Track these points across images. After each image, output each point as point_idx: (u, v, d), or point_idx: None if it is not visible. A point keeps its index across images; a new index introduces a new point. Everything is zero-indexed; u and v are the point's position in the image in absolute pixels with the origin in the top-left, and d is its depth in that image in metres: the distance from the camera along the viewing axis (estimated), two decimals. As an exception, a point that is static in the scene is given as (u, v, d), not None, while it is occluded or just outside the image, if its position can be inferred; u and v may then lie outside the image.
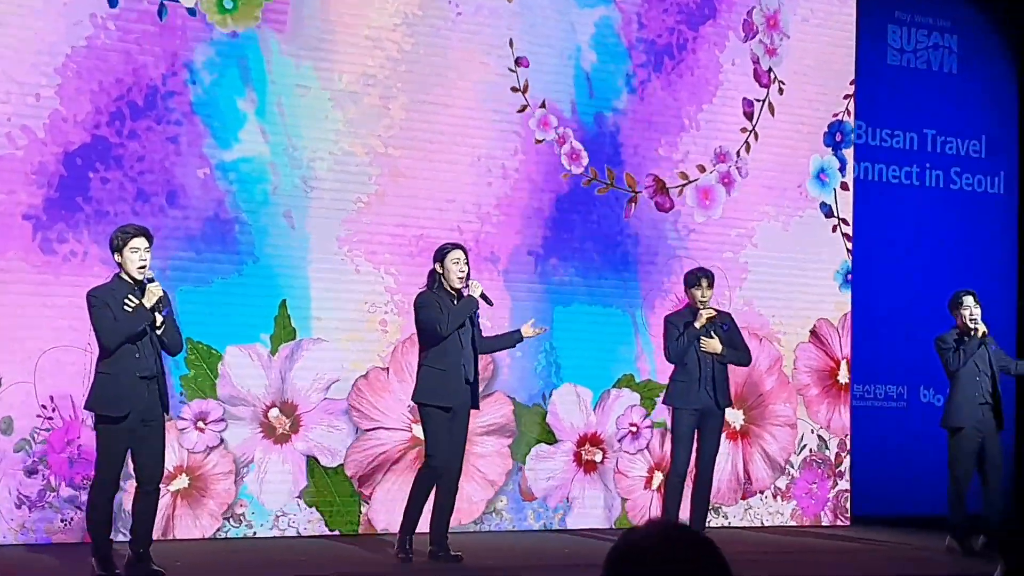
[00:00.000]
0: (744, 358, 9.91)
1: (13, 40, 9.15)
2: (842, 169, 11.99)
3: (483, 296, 8.83)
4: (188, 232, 9.63)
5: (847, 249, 12.00)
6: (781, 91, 11.70)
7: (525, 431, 10.70)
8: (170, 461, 8.99)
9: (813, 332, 11.83)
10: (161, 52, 9.58)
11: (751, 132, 11.61)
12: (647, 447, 11.14)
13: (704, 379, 9.60)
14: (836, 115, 11.94)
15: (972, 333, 9.93)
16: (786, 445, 11.69)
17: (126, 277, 7.75)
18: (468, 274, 8.85)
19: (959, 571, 9.26)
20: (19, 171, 9.15)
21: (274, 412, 9.86)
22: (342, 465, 10.08)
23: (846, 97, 11.99)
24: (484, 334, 9.11)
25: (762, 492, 11.55)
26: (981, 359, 10.00)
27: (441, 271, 8.81)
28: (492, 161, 10.65)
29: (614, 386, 11.07)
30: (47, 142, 9.22)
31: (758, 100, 11.65)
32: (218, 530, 9.65)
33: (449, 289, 8.79)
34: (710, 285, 9.65)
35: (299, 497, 9.93)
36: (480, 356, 9.03)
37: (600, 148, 11.07)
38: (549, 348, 10.83)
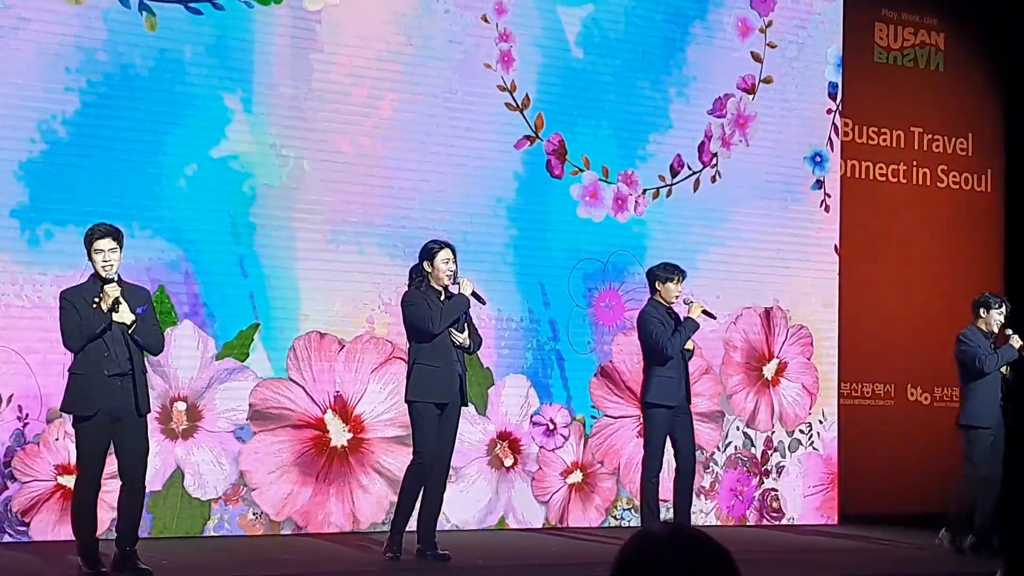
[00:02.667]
0: (691, 353, 9.92)
1: (1, 38, 9.11)
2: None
3: (474, 294, 8.81)
4: (175, 229, 9.59)
5: (829, 138, 12.00)
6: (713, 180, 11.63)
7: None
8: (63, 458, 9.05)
9: (767, 311, 11.76)
10: (149, 49, 9.54)
11: (762, 66, 11.66)
12: (559, 448, 10.91)
13: (683, 375, 9.63)
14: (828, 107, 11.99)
15: (1006, 342, 9.94)
16: (713, 392, 11.47)
17: (97, 277, 7.73)
18: (457, 272, 8.82)
19: (949, 569, 9.26)
20: (6, 167, 9.11)
21: (180, 405, 9.58)
22: (200, 501, 9.64)
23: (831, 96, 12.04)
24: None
25: (712, 454, 11.41)
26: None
27: (430, 269, 8.76)
28: (480, 158, 10.63)
29: (574, 417, 10.97)
30: (35, 138, 9.18)
31: (747, 93, 11.67)
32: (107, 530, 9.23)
33: (436, 287, 8.76)
34: (683, 279, 9.69)
35: None
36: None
37: (586, 144, 11.05)
38: (537, 344, 10.82)
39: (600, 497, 11.04)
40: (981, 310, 10.13)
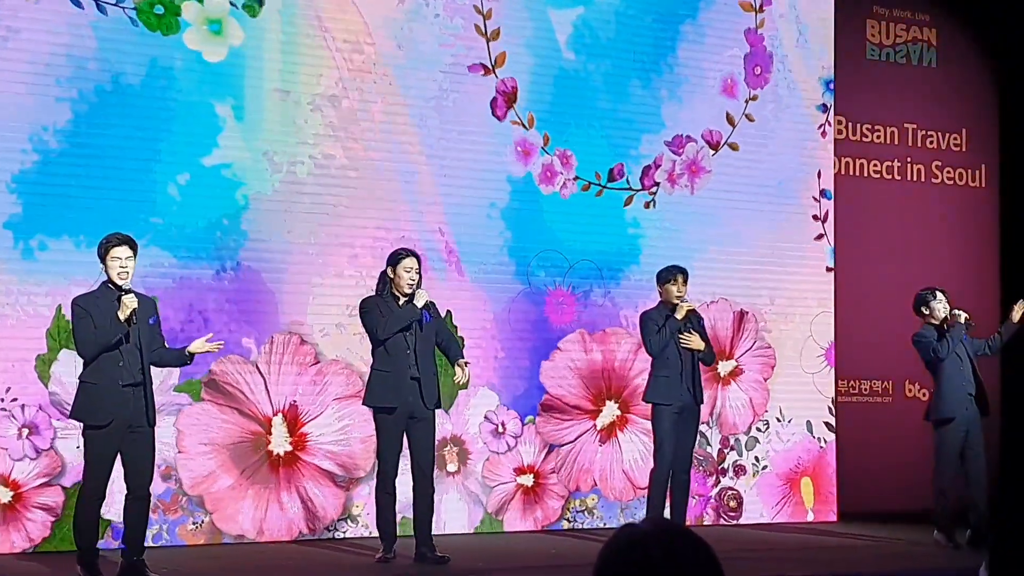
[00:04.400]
0: (712, 356, 9.91)
1: (-10, 48, 9.14)
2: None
3: (426, 306, 8.81)
4: (168, 238, 9.59)
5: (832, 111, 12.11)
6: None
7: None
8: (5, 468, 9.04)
9: (741, 313, 11.72)
10: (140, 58, 9.55)
11: (733, 130, 11.64)
12: (502, 453, 10.75)
13: (684, 375, 9.61)
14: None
15: (955, 323, 9.97)
16: None
17: (112, 285, 7.75)
18: (419, 282, 8.84)
19: (947, 565, 9.26)
20: (-2, 179, 9.14)
21: None
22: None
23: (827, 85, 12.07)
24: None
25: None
26: (960, 348, 10.04)
27: (392, 275, 8.82)
28: (472, 163, 10.64)
29: (525, 423, 10.84)
30: (27, 149, 9.19)
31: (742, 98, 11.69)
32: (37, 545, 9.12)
33: (396, 293, 8.80)
34: (684, 281, 9.68)
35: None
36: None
37: (580, 144, 11.06)
38: (532, 350, 10.82)
39: (542, 512, 10.85)
40: (923, 308, 10.17)
